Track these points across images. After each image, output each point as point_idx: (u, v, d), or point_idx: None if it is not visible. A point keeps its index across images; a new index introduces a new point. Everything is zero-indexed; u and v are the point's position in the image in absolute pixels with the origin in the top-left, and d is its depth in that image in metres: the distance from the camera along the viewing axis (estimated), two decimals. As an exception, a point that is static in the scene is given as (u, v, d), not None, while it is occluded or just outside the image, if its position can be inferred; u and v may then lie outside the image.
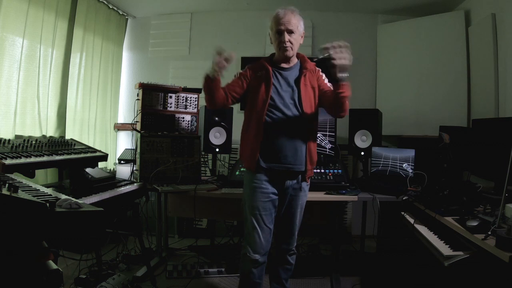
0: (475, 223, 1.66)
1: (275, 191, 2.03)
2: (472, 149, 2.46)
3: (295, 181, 2.06)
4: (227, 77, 3.70)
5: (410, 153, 2.76)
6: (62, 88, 3.26)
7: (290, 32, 1.95)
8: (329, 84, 2.07)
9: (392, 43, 3.89)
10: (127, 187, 2.49)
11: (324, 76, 2.13)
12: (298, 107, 2.02)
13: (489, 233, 1.53)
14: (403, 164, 2.75)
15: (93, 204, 1.92)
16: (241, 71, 2.12)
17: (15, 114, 2.71)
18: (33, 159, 1.96)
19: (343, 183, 2.61)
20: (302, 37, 2.05)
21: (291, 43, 1.97)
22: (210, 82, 1.90)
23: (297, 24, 1.97)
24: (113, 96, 4.03)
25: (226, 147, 3.06)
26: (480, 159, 2.36)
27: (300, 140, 2.01)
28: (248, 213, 2.04)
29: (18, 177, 1.76)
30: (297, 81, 2.04)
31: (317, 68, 2.13)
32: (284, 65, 2.06)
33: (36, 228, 1.21)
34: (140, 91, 2.98)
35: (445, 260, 1.65)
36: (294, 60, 2.09)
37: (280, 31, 1.96)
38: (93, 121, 3.66)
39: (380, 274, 2.80)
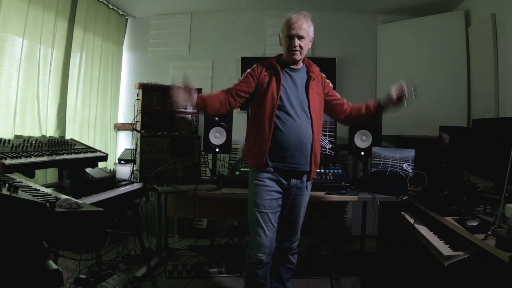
0: (475, 223, 1.66)
1: (281, 190, 2.05)
2: (472, 149, 2.46)
3: (299, 181, 2.09)
4: (226, 78, 3.74)
5: (410, 153, 2.76)
6: (62, 88, 3.26)
7: (301, 37, 2.01)
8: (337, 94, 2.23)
9: (392, 43, 3.88)
10: (127, 187, 2.49)
11: (330, 83, 2.23)
12: (306, 108, 2.06)
13: (489, 233, 1.53)
14: (403, 164, 2.75)
15: (93, 204, 1.92)
16: (249, 70, 2.12)
17: (14, 114, 2.71)
18: (33, 159, 1.96)
19: (343, 183, 2.61)
20: (311, 41, 2.10)
21: (300, 47, 2.02)
22: (194, 105, 2.02)
23: (307, 29, 2.03)
24: (113, 96, 4.03)
25: (226, 147, 3.06)
26: (480, 159, 2.36)
27: (306, 141, 2.04)
28: (254, 211, 2.03)
29: (18, 177, 1.76)
30: (306, 84, 2.10)
31: (323, 75, 2.20)
32: (292, 67, 2.11)
33: (36, 228, 1.21)
34: (140, 91, 2.98)
35: (445, 260, 1.65)
36: (301, 63, 2.14)
37: (291, 36, 2.00)
38: (93, 121, 3.66)
39: (380, 274, 2.79)
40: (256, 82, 2.07)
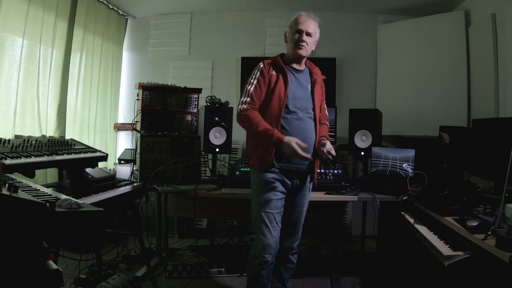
0: (475, 223, 1.66)
1: (285, 190, 2.06)
2: (472, 149, 2.46)
3: (303, 181, 2.10)
4: (226, 78, 3.70)
5: (410, 153, 2.76)
6: (62, 88, 3.26)
7: (308, 34, 2.05)
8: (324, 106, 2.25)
9: (392, 43, 3.89)
10: (127, 187, 2.49)
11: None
12: (310, 110, 2.08)
13: (489, 233, 1.53)
14: (403, 164, 2.75)
15: (93, 204, 1.92)
16: (258, 72, 2.05)
17: (14, 114, 2.71)
18: (33, 159, 1.96)
19: (343, 183, 2.61)
20: (315, 43, 2.13)
21: (307, 43, 2.05)
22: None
23: (315, 29, 2.08)
24: (113, 96, 4.03)
25: (226, 147, 3.05)
26: (480, 159, 2.36)
27: (311, 142, 2.05)
28: (259, 211, 2.02)
29: (18, 177, 1.76)
30: (312, 86, 2.12)
31: (322, 80, 2.21)
32: (296, 66, 2.12)
33: (36, 228, 1.21)
34: (140, 91, 2.98)
35: (445, 260, 1.65)
36: (303, 64, 2.16)
37: (300, 31, 2.03)
38: (93, 121, 3.66)
39: (380, 274, 2.80)
40: (268, 82, 2.04)
